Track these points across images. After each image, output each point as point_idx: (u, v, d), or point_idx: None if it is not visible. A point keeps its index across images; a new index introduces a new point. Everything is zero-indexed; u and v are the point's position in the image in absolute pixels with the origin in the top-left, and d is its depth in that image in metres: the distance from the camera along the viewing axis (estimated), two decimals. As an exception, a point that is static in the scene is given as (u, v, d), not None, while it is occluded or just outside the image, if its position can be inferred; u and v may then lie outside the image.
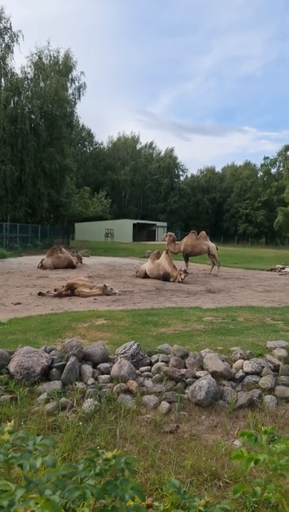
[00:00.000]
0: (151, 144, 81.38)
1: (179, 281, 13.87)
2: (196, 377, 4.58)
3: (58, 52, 37.11)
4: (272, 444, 1.04)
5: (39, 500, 0.76)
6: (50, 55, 36.91)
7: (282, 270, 19.44)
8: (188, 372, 4.66)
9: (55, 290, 11.02)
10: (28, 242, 32.57)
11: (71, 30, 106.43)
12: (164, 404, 4.16)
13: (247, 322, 7.38)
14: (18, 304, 9.30)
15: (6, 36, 33.18)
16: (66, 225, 45.01)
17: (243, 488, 1.05)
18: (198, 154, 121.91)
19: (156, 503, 1.06)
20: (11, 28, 33.15)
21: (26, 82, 35.01)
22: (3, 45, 33.07)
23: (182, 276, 13.95)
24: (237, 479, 3.15)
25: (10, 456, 0.86)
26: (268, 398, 4.36)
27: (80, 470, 0.89)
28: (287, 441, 1.04)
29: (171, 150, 75.77)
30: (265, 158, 70.64)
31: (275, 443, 1.04)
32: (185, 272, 14.34)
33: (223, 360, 4.92)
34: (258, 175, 72.27)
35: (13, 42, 33.38)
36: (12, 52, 33.52)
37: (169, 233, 17.77)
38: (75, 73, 38.02)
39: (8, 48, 33.31)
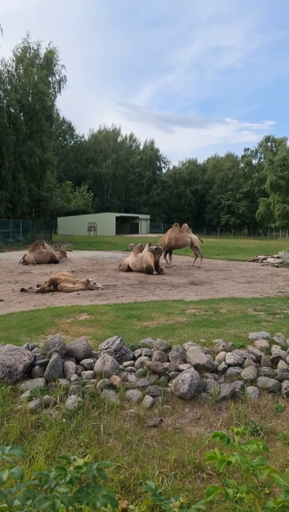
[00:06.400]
0: (132, 136, 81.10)
1: (154, 268, 13.89)
2: (179, 371, 4.61)
3: (39, 45, 36.54)
4: (245, 444, 1.05)
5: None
6: (29, 48, 36.29)
7: (264, 261, 19.62)
8: (172, 366, 4.67)
9: (38, 286, 10.94)
10: (10, 238, 32.15)
11: (51, 21, 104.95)
12: (148, 399, 4.17)
13: (229, 314, 7.44)
14: (0, 300, 9.20)
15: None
16: (48, 219, 44.59)
17: (216, 491, 1.05)
18: (182, 146, 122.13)
19: (131, 506, 1.05)
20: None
21: (5, 76, 34.37)
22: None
23: (152, 248, 14.01)
24: (220, 471, 3.18)
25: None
26: (250, 389, 4.41)
27: (52, 478, 0.88)
28: (259, 441, 1.04)
29: (152, 142, 75.64)
30: (246, 149, 71.45)
31: (247, 443, 1.04)
32: (156, 248, 14.28)
33: (205, 353, 4.94)
34: (240, 166, 72.73)
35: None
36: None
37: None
38: (55, 67, 37.51)
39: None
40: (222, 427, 3.87)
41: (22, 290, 10.51)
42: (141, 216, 63.15)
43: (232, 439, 1.05)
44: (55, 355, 4.64)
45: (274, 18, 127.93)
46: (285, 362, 4.91)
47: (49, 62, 36.85)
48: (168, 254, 16.85)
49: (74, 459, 0.92)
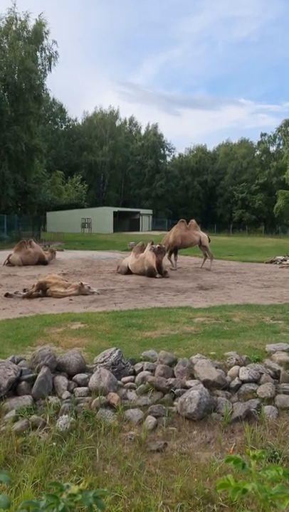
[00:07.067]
0: (132, 119, 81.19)
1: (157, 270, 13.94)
2: (186, 388, 4.60)
3: (28, 16, 36.46)
4: (262, 470, 1.05)
5: None
6: (16, 19, 36.28)
7: (284, 262, 19.62)
8: (177, 382, 4.67)
9: (25, 290, 10.95)
10: (-8, 236, 32.25)
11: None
12: (150, 419, 4.17)
13: (243, 322, 7.44)
14: (-18, 307, 9.22)
15: None
16: (36, 214, 44.64)
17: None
18: (189, 131, 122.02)
19: None
20: None
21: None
22: None
23: (155, 248, 14.06)
24: (232, 502, 3.18)
25: None
26: (267, 409, 4.40)
27: (42, 507, 0.88)
28: (279, 467, 1.04)
29: (156, 126, 75.62)
30: (263, 134, 71.25)
31: (266, 469, 1.05)
32: (159, 248, 14.31)
33: (216, 367, 4.95)
34: (255, 154, 72.64)
35: None
36: None
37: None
38: (45, 41, 37.52)
39: None
40: (235, 451, 3.87)
41: (6, 295, 10.53)
42: (142, 211, 63.18)
43: (248, 464, 1.05)
44: (44, 370, 4.65)
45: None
46: (308, 378, 4.91)
47: (38, 35, 36.82)
48: (173, 255, 16.87)
49: (67, 486, 0.92)
